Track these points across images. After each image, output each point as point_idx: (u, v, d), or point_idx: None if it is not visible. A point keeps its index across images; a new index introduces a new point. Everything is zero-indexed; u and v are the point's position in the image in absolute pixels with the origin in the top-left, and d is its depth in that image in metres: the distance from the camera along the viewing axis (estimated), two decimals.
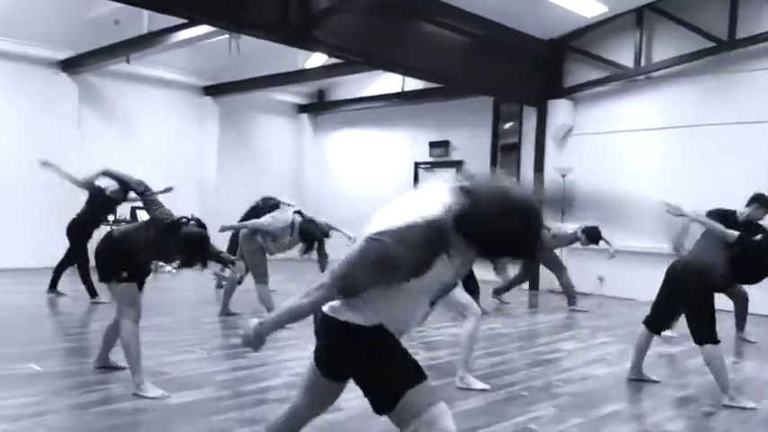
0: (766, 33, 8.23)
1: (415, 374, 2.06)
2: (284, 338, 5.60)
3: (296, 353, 5.24)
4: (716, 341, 4.21)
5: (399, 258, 1.92)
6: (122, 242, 4.15)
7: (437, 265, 1.97)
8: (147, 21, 9.15)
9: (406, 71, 8.92)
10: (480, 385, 4.41)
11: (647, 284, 7.43)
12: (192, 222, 3.95)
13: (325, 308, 2.11)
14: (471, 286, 7.71)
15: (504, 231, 1.83)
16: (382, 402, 2.06)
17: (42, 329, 6.13)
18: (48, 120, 10.62)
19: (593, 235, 8.16)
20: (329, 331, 2.16)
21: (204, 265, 4.12)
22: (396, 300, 2.06)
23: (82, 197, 7.61)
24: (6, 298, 7.74)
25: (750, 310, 6.52)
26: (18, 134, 10.35)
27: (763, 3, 8.32)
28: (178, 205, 10.16)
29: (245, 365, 4.83)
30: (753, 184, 8.39)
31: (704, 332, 4.23)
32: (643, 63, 9.41)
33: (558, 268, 8.69)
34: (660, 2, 9.09)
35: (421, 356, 4.94)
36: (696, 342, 4.30)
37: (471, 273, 7.62)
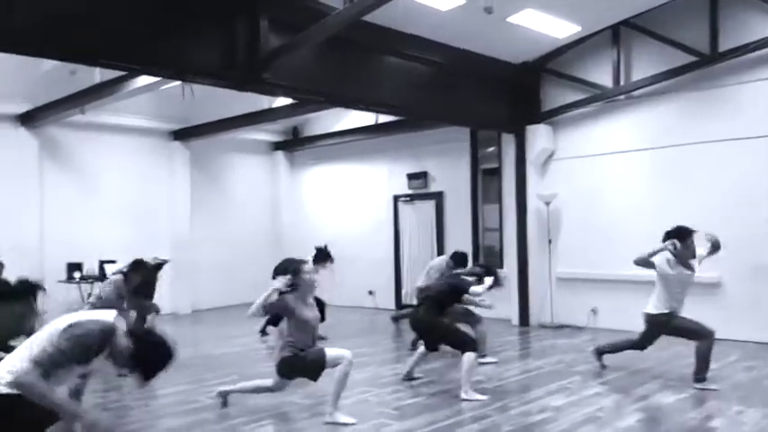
0: (751, 44, 7.81)
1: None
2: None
3: None
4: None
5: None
6: None
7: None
8: (100, 70, 8.70)
9: (370, 107, 8.45)
10: (345, 419, 4.86)
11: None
12: None
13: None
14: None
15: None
16: None
17: None
18: (7, 176, 10.17)
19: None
20: None
21: None
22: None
23: None
24: None
25: None
26: None
27: (746, 13, 7.91)
28: (151, 255, 9.54)
29: None
30: (740, 202, 8.05)
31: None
32: (622, 82, 8.98)
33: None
34: (636, 18, 8.68)
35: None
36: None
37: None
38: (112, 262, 10.76)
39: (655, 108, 8.82)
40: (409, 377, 6.26)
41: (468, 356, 5.63)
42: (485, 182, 11.03)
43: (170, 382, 6.54)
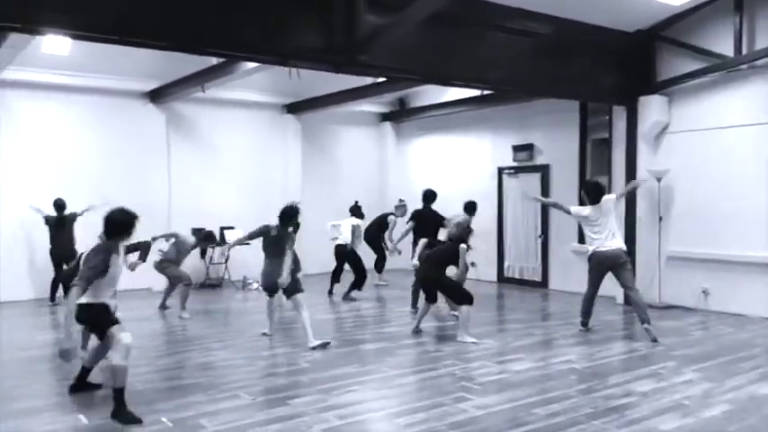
0: None
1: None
2: (329, 382, 5.46)
3: (341, 399, 5.06)
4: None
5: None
6: None
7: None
8: None
9: (470, 84, 8.40)
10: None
11: (759, 298, 6.53)
12: None
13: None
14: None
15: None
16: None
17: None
18: (139, 148, 11.18)
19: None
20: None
21: None
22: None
23: None
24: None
25: None
26: (114, 163, 10.99)
27: None
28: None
29: (288, 415, 4.70)
30: None
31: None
32: (745, 51, 8.36)
33: None
34: None
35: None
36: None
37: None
38: (231, 228, 11.58)
39: None
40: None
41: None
42: (594, 153, 10.71)
43: (277, 344, 7.10)
